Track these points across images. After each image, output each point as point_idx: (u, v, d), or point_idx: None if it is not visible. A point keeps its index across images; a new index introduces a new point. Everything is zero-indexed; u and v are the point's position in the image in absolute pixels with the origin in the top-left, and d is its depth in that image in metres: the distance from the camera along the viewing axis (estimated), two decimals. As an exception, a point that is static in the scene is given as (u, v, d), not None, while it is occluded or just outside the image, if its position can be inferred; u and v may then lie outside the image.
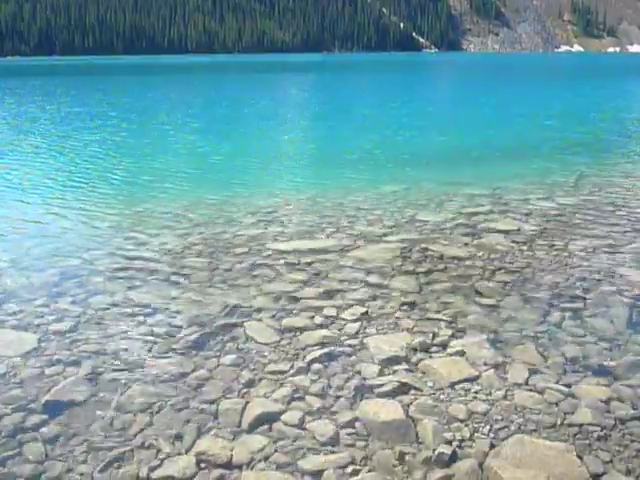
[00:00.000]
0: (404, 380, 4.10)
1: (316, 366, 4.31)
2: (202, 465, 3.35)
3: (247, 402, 3.89)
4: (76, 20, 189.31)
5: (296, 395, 3.97)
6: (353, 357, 4.44)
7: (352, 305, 5.30)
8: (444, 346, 4.58)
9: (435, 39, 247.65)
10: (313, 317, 5.09)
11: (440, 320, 4.99)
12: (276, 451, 3.46)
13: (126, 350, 4.54)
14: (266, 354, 4.50)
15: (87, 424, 3.69)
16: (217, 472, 3.30)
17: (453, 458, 3.35)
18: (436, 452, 3.39)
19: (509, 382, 4.09)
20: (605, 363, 4.31)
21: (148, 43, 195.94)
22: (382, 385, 4.05)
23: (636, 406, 3.81)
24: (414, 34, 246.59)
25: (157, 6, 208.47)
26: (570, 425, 3.64)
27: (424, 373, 4.21)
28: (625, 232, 7.34)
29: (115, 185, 10.52)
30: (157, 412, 3.81)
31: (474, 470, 3.27)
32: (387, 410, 3.75)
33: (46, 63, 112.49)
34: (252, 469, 3.32)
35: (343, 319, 5.05)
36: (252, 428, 3.66)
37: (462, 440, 3.50)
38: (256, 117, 22.16)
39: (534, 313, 5.10)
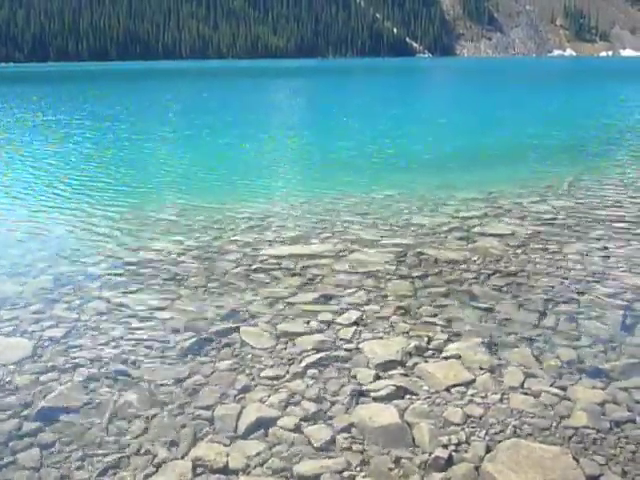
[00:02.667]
0: (400, 384, 4.10)
1: (312, 371, 4.31)
2: (198, 471, 3.34)
3: (243, 407, 3.89)
4: (70, 26, 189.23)
5: (292, 400, 3.97)
6: (349, 362, 4.44)
7: (347, 310, 5.31)
8: (439, 350, 4.59)
9: (429, 44, 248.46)
10: (309, 322, 5.09)
11: (435, 324, 5.00)
12: (272, 456, 3.45)
13: (121, 356, 4.53)
14: (262, 359, 4.50)
15: (83, 431, 3.68)
16: (213, 478, 3.30)
17: (449, 462, 3.35)
18: (432, 456, 3.39)
19: (505, 385, 4.10)
20: (600, 366, 4.32)
21: (142, 49, 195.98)
22: (378, 389, 4.05)
23: (631, 409, 3.82)
24: (407, 39, 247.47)
25: (151, 12, 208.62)
26: (566, 428, 3.64)
27: (420, 377, 4.22)
28: (619, 235, 7.37)
29: (109, 191, 10.50)
30: (153, 418, 3.80)
31: (470, 474, 3.27)
32: (383, 414, 3.75)
33: (37, 70, 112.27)
34: (248, 474, 3.32)
35: (338, 324, 5.05)
36: (248, 433, 3.65)
37: (458, 444, 3.50)
38: (249, 123, 22.17)
39: (529, 316, 5.11)
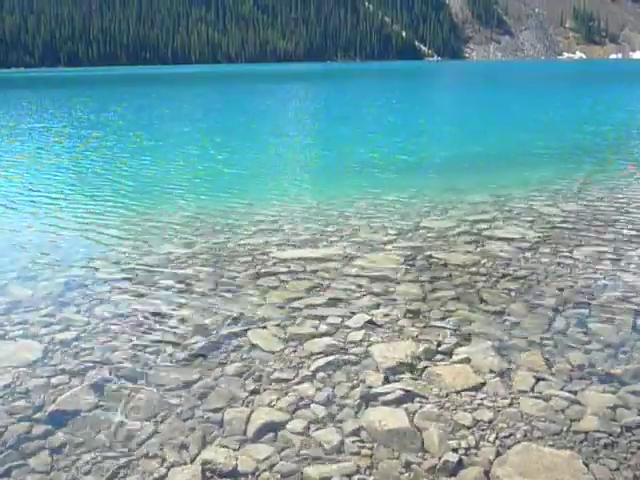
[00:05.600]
0: (409, 388, 4.09)
1: (321, 374, 4.31)
2: (207, 474, 3.35)
3: (252, 411, 3.89)
4: (80, 31, 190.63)
5: (301, 403, 3.97)
6: (358, 365, 4.43)
7: (356, 313, 5.30)
8: (449, 354, 4.57)
9: (437, 47, 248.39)
10: (317, 325, 5.09)
11: (445, 328, 4.99)
12: (281, 460, 3.45)
13: (131, 359, 4.55)
14: (271, 363, 4.50)
15: (93, 434, 3.69)
16: (222, 481, 3.30)
17: (459, 466, 3.34)
18: (442, 460, 3.38)
19: (514, 389, 4.08)
20: (611, 370, 4.29)
21: (152, 54, 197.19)
22: (387, 393, 4.04)
23: (642, 413, 3.78)
24: (416, 42, 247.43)
25: (160, 17, 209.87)
26: (576, 432, 3.62)
27: (429, 381, 4.20)
28: (630, 238, 7.33)
29: (119, 195, 10.55)
30: (162, 421, 3.81)
31: (480, 478, 3.26)
32: (392, 418, 3.75)
33: (43, 75, 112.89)
34: (257, 478, 3.32)
35: (347, 327, 5.04)
36: (257, 437, 3.65)
37: (468, 448, 3.49)
38: (258, 126, 22.23)
39: (539, 320, 5.09)
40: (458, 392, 4.05)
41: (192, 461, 3.45)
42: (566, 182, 10.89)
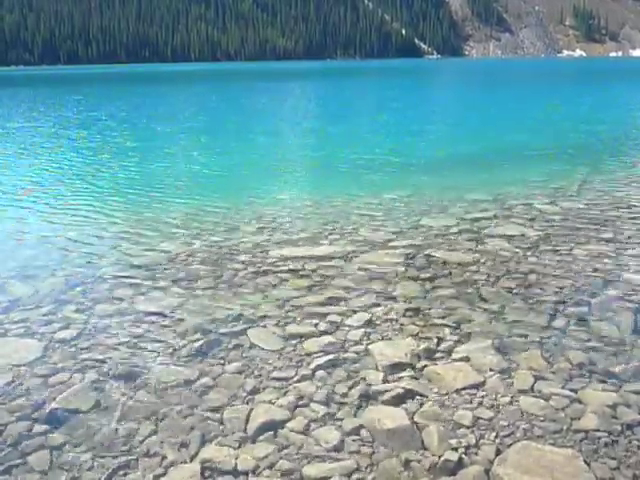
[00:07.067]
0: (409, 386, 4.09)
1: (320, 373, 4.30)
2: (207, 473, 3.34)
3: (252, 409, 3.89)
4: (80, 29, 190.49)
5: (301, 402, 3.96)
6: (357, 364, 4.43)
7: (356, 311, 5.30)
8: (449, 352, 4.57)
9: (437, 45, 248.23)
10: (317, 324, 5.08)
11: (445, 326, 4.98)
12: (281, 458, 3.45)
13: (131, 358, 4.55)
14: (270, 361, 4.50)
15: (92, 432, 3.69)
16: (222, 480, 3.30)
17: (459, 465, 3.34)
18: (442, 459, 3.38)
19: (514, 388, 4.08)
20: (611, 368, 4.28)
21: (151, 52, 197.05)
22: (387, 392, 4.04)
23: (643, 411, 3.78)
24: (416, 40, 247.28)
25: (160, 15, 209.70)
26: (576, 431, 3.62)
27: (429, 379, 4.20)
28: (630, 236, 7.32)
29: (118, 193, 10.54)
30: (162, 420, 3.81)
31: (480, 477, 3.25)
32: (392, 417, 3.74)
33: (42, 73, 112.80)
34: (257, 476, 3.32)
35: (347, 325, 5.04)
36: (257, 435, 3.65)
37: (468, 447, 3.49)
38: (257, 124, 22.21)
39: (539, 318, 5.08)
40: (458, 391, 4.05)
41: (192, 460, 3.45)
42: (566, 180, 10.88)
